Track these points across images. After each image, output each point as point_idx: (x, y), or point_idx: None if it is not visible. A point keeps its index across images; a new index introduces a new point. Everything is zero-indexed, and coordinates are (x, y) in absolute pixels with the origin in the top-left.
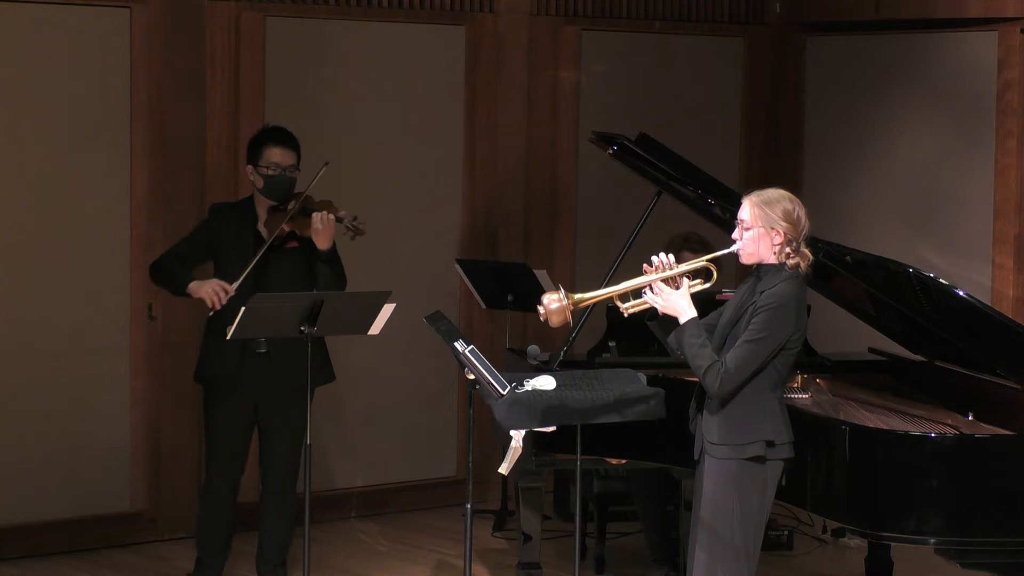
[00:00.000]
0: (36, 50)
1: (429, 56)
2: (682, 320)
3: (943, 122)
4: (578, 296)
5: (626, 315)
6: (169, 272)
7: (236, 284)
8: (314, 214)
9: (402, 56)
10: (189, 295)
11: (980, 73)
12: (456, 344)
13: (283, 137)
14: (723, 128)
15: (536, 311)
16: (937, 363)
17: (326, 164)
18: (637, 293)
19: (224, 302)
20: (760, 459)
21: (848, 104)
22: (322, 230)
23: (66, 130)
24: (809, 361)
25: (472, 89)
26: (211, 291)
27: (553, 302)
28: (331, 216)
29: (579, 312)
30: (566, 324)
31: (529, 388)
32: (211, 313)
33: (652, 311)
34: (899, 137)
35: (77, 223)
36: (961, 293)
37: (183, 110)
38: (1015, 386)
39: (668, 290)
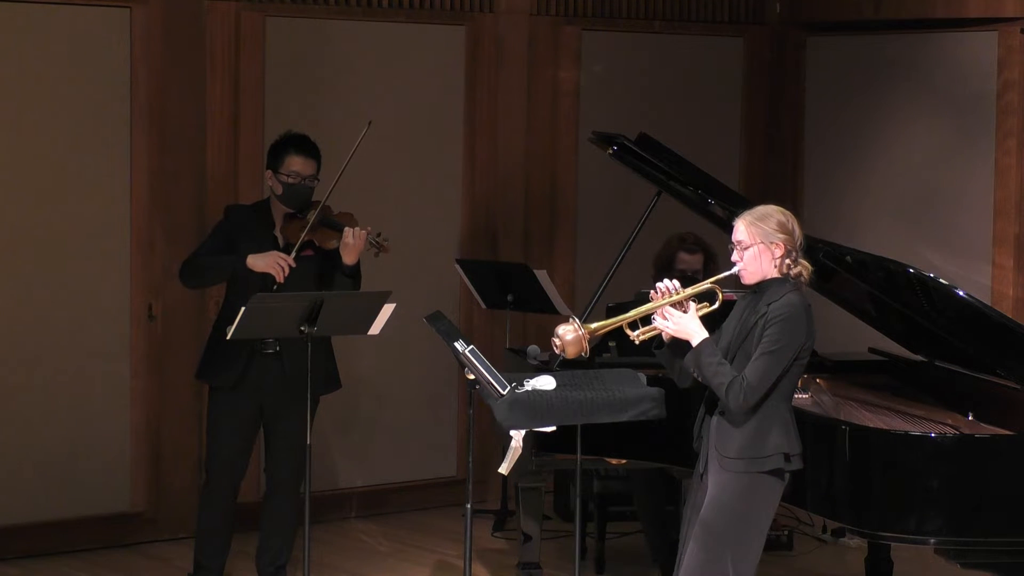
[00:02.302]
0: (36, 50)
1: (429, 56)
2: (694, 342)
3: (943, 122)
4: (593, 325)
5: (637, 343)
6: (211, 265)
7: (292, 256)
8: (346, 229)
9: (402, 56)
10: (243, 278)
11: (980, 73)
12: (456, 344)
13: (306, 146)
14: (723, 128)
15: (536, 311)
16: (937, 363)
17: (370, 123)
18: (646, 320)
19: (287, 273)
20: (778, 472)
21: (848, 104)
22: (352, 245)
23: (66, 130)
24: (809, 361)
25: (472, 89)
26: (275, 263)
27: (569, 333)
28: (363, 232)
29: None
30: (583, 353)
31: (529, 388)
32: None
33: (658, 341)
34: (899, 137)
35: (77, 223)
36: (961, 293)
37: (183, 110)
38: (1015, 386)
39: (677, 314)
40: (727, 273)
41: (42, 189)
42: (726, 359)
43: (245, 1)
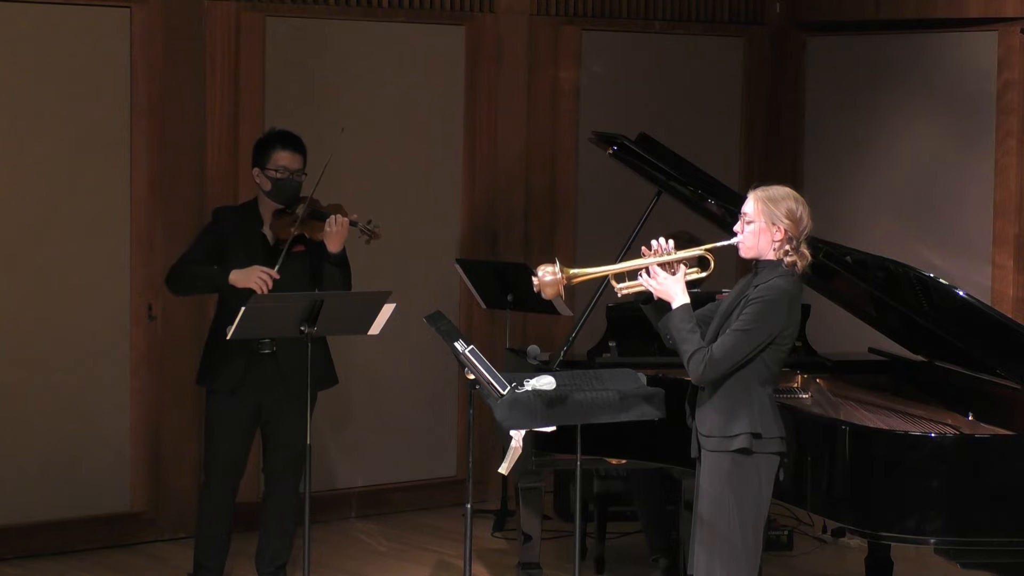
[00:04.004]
0: (36, 50)
1: (429, 56)
2: (674, 305)
3: (943, 122)
4: (573, 271)
5: (620, 295)
6: (195, 276)
7: (276, 268)
8: (329, 217)
9: (402, 56)
10: (231, 288)
11: (980, 73)
12: (456, 344)
13: (291, 141)
14: (723, 128)
15: (536, 311)
16: (937, 363)
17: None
18: (633, 275)
19: (271, 287)
20: (747, 451)
21: (848, 104)
22: (334, 233)
23: (66, 130)
24: (809, 361)
25: (472, 89)
26: (257, 279)
27: (548, 274)
28: (345, 219)
29: (573, 289)
30: (559, 296)
31: (529, 388)
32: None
33: (647, 295)
34: (899, 137)
35: (77, 223)
36: (961, 293)
37: (183, 110)
38: (1015, 386)
39: (664, 274)
40: (725, 243)
41: (42, 188)
42: (716, 334)
43: (245, 1)
